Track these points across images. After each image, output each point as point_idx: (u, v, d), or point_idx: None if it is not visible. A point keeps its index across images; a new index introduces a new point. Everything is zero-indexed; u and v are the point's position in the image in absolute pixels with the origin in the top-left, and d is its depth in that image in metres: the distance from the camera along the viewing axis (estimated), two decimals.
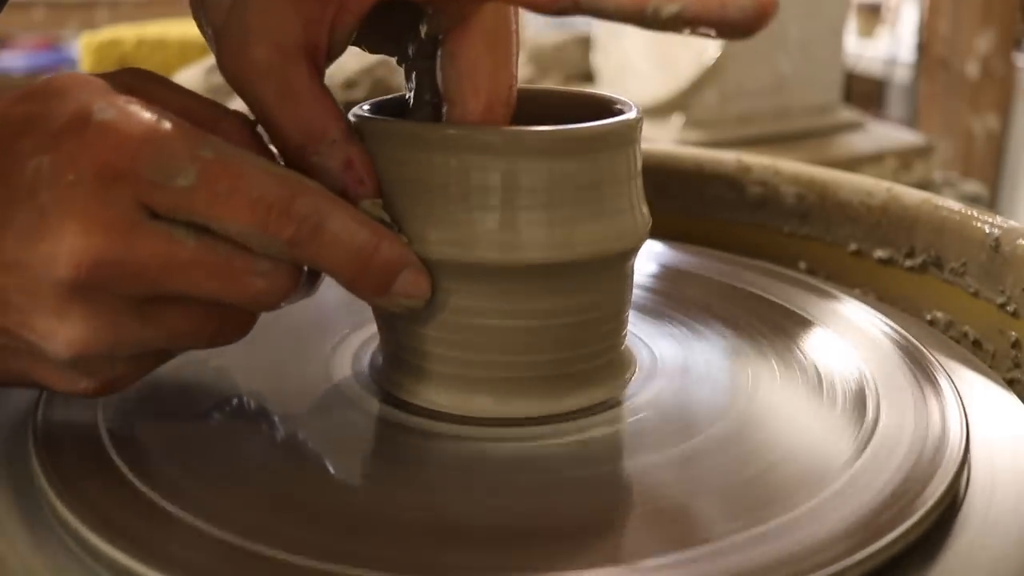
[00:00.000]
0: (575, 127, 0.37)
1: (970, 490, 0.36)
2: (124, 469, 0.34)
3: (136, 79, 0.35)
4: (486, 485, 0.35)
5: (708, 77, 1.19)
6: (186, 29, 1.88)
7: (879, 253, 0.57)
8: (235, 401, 0.40)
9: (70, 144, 0.32)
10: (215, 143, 0.33)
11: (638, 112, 0.39)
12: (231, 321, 0.36)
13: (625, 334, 0.41)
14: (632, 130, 0.38)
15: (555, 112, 0.40)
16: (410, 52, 0.40)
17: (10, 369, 0.35)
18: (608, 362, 0.40)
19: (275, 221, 0.33)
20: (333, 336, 0.45)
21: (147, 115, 0.32)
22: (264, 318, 0.47)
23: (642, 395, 0.40)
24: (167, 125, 0.32)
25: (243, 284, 0.34)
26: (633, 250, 0.39)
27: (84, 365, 0.34)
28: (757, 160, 0.63)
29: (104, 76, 0.35)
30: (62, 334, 0.32)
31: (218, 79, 1.26)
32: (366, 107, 0.39)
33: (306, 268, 0.36)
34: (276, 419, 0.39)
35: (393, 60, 0.41)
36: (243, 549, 0.31)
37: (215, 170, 0.32)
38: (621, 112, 0.39)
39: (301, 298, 0.37)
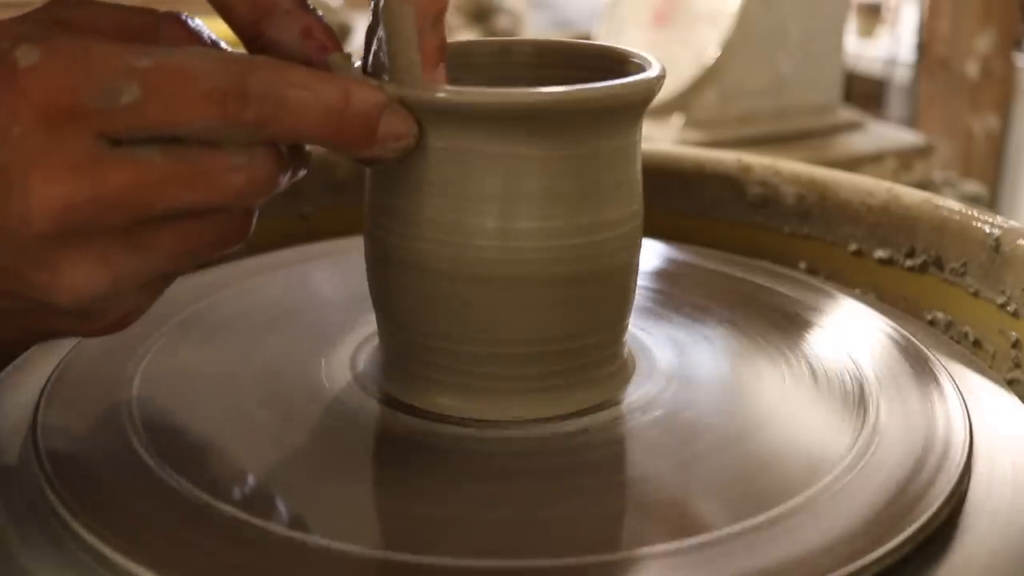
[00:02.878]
0: (585, 87, 0.36)
1: (971, 491, 0.36)
2: (125, 474, 0.35)
3: (62, 8, 0.34)
4: (485, 486, 0.35)
5: (708, 77, 1.19)
6: None
7: (879, 253, 0.57)
8: (234, 403, 0.40)
9: (5, 98, 0.31)
10: (151, 51, 0.31)
11: (661, 70, 0.38)
12: (227, 226, 0.35)
13: (625, 336, 0.41)
14: (650, 92, 0.37)
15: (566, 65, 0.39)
16: None
17: (26, 328, 0.35)
18: (608, 362, 0.40)
19: (233, 107, 0.32)
20: (332, 336, 0.45)
21: (73, 46, 0.31)
22: (264, 320, 0.47)
23: (642, 396, 0.40)
24: (96, 48, 0.31)
25: (223, 184, 0.33)
26: (642, 102, 0.38)
27: (93, 307, 0.34)
28: (757, 160, 0.63)
29: (25, 16, 0.34)
30: (61, 285, 0.32)
31: None
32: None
33: (286, 148, 0.34)
34: (275, 420, 0.39)
35: None
36: (246, 551, 0.31)
37: (157, 77, 0.31)
38: (641, 69, 0.38)
39: (293, 179, 0.35)
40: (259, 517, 0.32)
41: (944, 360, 0.44)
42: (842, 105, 1.34)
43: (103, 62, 0.31)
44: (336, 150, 0.35)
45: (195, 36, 0.35)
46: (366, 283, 0.41)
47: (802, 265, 0.61)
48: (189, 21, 0.36)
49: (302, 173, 0.36)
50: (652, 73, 0.38)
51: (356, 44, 1.71)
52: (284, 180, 0.35)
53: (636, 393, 0.41)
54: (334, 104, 0.33)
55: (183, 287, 0.51)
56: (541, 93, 0.35)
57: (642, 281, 0.43)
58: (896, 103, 2.71)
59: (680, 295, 0.50)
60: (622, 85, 0.37)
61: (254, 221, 0.36)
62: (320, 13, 0.36)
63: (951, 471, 0.35)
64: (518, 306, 0.37)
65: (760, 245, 0.62)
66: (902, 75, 2.66)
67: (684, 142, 1.15)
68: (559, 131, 0.36)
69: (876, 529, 0.32)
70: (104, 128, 0.31)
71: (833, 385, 0.41)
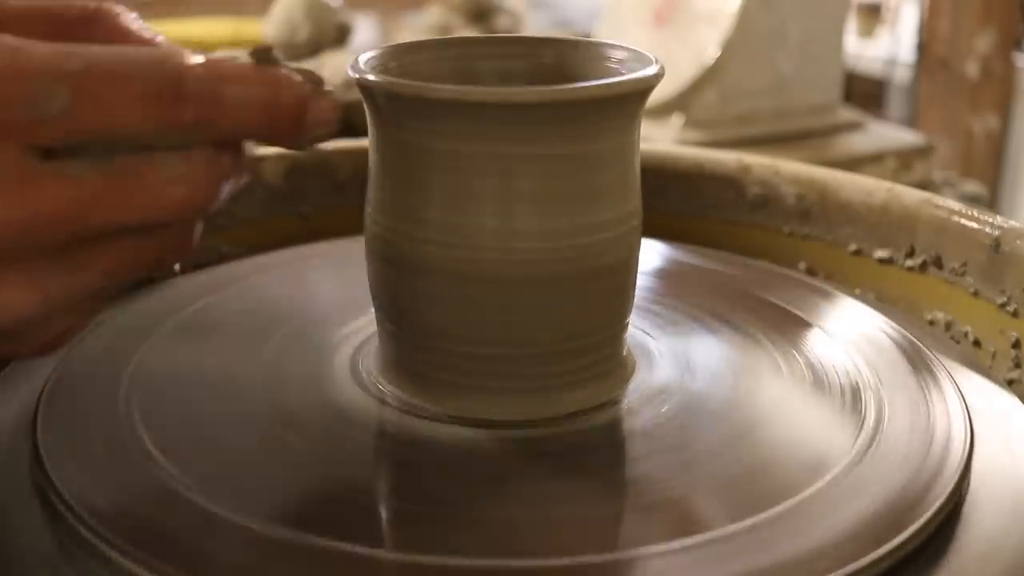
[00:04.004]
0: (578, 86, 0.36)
1: (970, 491, 0.36)
2: (125, 476, 0.34)
3: None
4: (485, 486, 0.35)
5: (708, 77, 1.19)
6: (187, 29, 1.88)
7: (879, 253, 0.57)
8: (234, 404, 0.40)
9: None
10: (80, 52, 0.29)
11: (659, 68, 0.38)
12: (167, 242, 0.33)
13: (625, 336, 0.41)
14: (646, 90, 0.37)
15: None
16: None
17: None
18: (608, 362, 0.40)
19: (171, 108, 0.30)
20: (332, 337, 0.45)
21: None
22: (264, 321, 0.47)
23: (642, 396, 0.40)
24: (20, 55, 0.29)
25: (163, 199, 0.31)
26: (639, 98, 0.38)
27: (22, 329, 0.32)
28: (757, 160, 0.63)
29: None
30: None
31: None
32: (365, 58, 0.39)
33: (227, 159, 0.33)
34: (276, 421, 0.39)
35: None
36: (248, 552, 0.31)
37: (88, 81, 0.29)
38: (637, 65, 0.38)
39: (239, 186, 0.34)
40: (259, 518, 0.32)
41: (944, 360, 0.44)
42: (842, 105, 1.34)
43: (29, 69, 0.29)
44: (266, 143, 0.34)
45: (130, 31, 0.34)
46: (366, 283, 0.41)
47: (802, 265, 0.61)
48: (124, 14, 0.34)
49: (243, 182, 0.35)
50: (650, 70, 0.38)
51: (356, 44, 1.71)
52: (224, 193, 0.33)
53: (636, 393, 0.41)
54: (267, 98, 0.33)
55: (182, 287, 0.51)
56: (541, 90, 0.35)
57: (642, 281, 0.43)
58: (896, 103, 2.71)
59: (680, 295, 0.50)
60: (620, 82, 0.37)
61: (197, 235, 0.35)
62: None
63: (950, 471, 0.35)
64: (517, 306, 0.37)
65: (760, 245, 0.62)
66: (902, 75, 2.66)
67: (684, 142, 1.14)
68: (557, 128, 0.36)
69: (875, 529, 0.32)
70: (33, 140, 0.29)
71: (833, 385, 0.41)
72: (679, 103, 1.20)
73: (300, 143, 0.35)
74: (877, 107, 2.65)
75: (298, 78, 0.34)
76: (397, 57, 0.40)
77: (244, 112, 0.32)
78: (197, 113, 0.31)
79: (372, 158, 0.39)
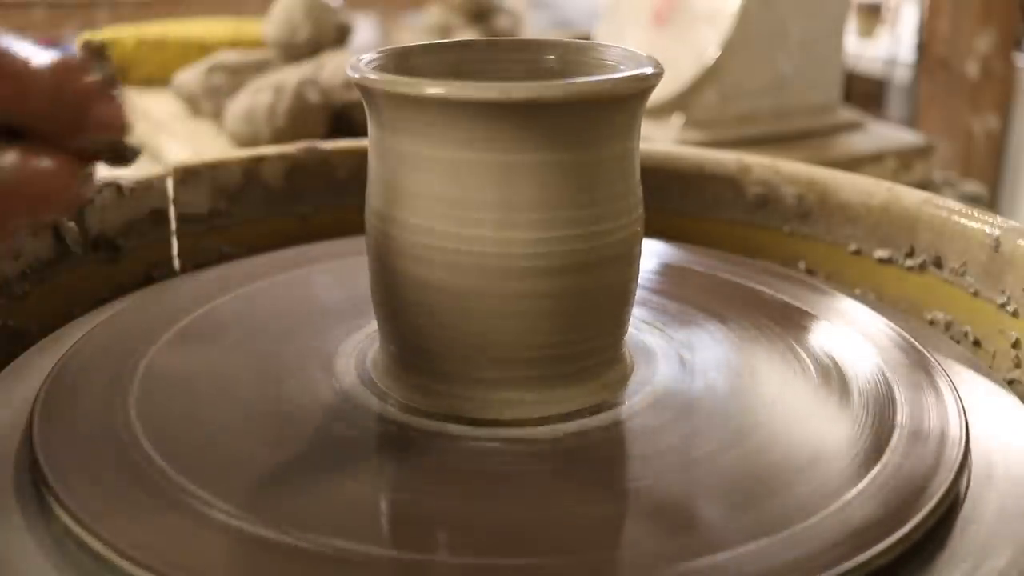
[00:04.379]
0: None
1: (969, 491, 0.36)
2: (125, 477, 0.35)
3: None
4: (484, 487, 0.35)
5: (708, 77, 1.19)
6: (187, 29, 1.88)
7: (879, 253, 0.57)
8: (235, 404, 0.40)
9: None
10: None
11: (658, 68, 0.38)
12: None
13: (625, 337, 0.42)
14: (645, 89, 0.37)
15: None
16: None
17: None
18: (608, 363, 0.40)
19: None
20: (333, 337, 0.45)
21: None
22: (265, 321, 0.47)
23: (642, 396, 0.40)
24: None
25: None
26: (639, 96, 0.38)
27: None
28: (757, 160, 0.63)
29: None
30: None
31: (217, 80, 1.26)
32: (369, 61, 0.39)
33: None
34: (278, 421, 0.39)
35: None
36: (248, 551, 0.31)
37: None
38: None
39: (47, 217, 0.31)
40: (261, 517, 0.32)
41: (944, 360, 0.44)
42: (842, 105, 1.34)
43: None
44: (54, 139, 0.31)
45: None
46: (367, 283, 0.41)
47: (802, 265, 0.61)
48: None
49: (51, 214, 0.31)
50: (650, 69, 0.38)
51: (356, 44, 1.71)
52: (23, 227, 0.31)
53: (636, 394, 0.41)
54: (54, 81, 0.30)
55: (181, 287, 0.51)
56: (542, 86, 0.35)
57: (642, 281, 0.43)
58: (896, 103, 2.71)
59: (680, 295, 0.50)
60: (622, 79, 0.37)
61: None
62: None
63: (946, 472, 0.35)
64: (517, 305, 0.37)
65: (760, 245, 0.62)
66: (902, 75, 2.66)
67: (684, 142, 1.14)
68: (558, 125, 0.36)
69: (871, 528, 0.32)
70: None
71: (832, 385, 0.41)
72: (679, 103, 1.20)
73: (83, 145, 0.31)
74: (877, 107, 2.65)
75: (95, 73, 0.31)
76: (395, 60, 0.41)
77: (36, 92, 0.30)
78: (4, 89, 0.29)
79: (372, 158, 0.39)
